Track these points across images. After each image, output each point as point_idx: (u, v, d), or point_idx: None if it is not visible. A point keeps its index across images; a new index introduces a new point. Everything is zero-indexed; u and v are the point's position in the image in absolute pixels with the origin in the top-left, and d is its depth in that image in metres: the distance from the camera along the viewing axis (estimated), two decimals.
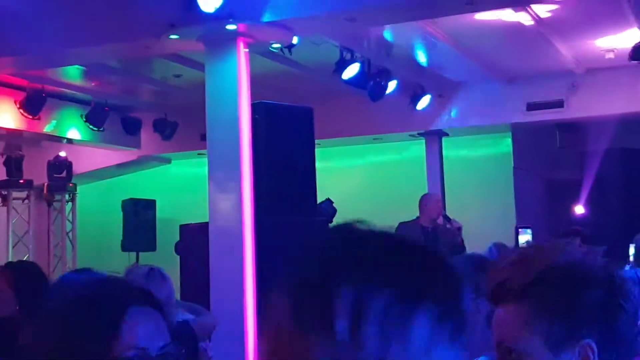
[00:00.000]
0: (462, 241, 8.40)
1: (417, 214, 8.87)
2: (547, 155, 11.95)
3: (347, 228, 0.96)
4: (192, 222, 7.31)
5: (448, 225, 8.57)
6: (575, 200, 10.05)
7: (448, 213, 10.86)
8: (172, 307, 4.09)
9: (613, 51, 8.96)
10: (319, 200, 7.66)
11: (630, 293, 1.42)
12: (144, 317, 1.58)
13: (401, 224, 8.53)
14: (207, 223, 6.36)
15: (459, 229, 8.49)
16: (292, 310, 0.89)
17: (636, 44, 8.00)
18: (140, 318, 1.57)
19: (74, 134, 10.86)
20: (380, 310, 0.87)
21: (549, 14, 7.68)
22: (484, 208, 11.17)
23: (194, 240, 6.89)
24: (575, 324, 1.40)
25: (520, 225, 5.43)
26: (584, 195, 9.83)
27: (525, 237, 5.31)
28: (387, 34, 8.42)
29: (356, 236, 0.94)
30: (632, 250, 5.98)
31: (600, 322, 1.40)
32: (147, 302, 1.61)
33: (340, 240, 0.94)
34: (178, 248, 7.94)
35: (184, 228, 7.48)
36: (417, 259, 0.93)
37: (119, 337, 1.52)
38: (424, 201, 8.57)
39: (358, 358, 0.86)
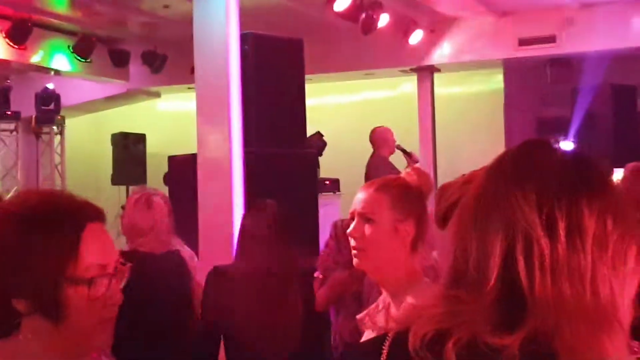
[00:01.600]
0: None
1: (409, 149, 8.87)
2: (538, 92, 11.90)
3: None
4: (181, 154, 7.27)
5: (406, 157, 8.60)
6: (565, 137, 10.05)
7: (438, 150, 10.91)
8: (159, 233, 4.09)
9: None
10: (309, 133, 7.64)
11: None
12: (99, 233, 1.57)
13: (370, 164, 8.50)
14: (195, 154, 6.32)
15: (416, 162, 8.59)
16: (540, 213, 1.06)
17: None
18: (97, 235, 1.55)
19: (61, 65, 10.73)
20: (615, 238, 1.07)
21: None
22: (474, 145, 11.17)
23: (183, 171, 6.87)
24: None
25: None
26: (573, 131, 9.83)
27: None
28: None
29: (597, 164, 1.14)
30: None
31: None
32: (99, 218, 1.60)
33: (581, 161, 1.14)
34: (167, 179, 7.94)
35: (172, 160, 7.46)
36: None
37: (78, 257, 1.51)
38: (383, 134, 8.57)
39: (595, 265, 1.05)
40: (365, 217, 2.35)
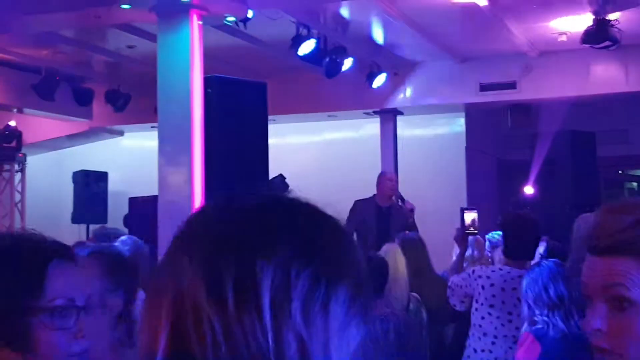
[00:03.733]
0: (414, 222, 8.47)
1: (371, 192, 8.91)
2: (499, 136, 12.09)
3: (276, 199, 0.95)
4: (142, 196, 7.25)
5: (401, 204, 8.62)
6: (525, 180, 10.19)
7: (400, 191, 10.97)
8: None
9: (566, 34, 9.06)
10: (271, 176, 7.65)
11: None
12: (66, 268, 1.60)
13: (357, 201, 8.59)
14: (156, 196, 6.30)
15: (412, 210, 8.54)
16: (207, 279, 0.87)
17: (588, 27, 8.08)
18: (63, 270, 1.59)
19: (24, 103, 10.66)
20: (305, 286, 0.86)
21: None
22: (436, 187, 11.27)
23: (143, 213, 6.84)
24: None
25: (465, 207, 5.46)
26: (533, 176, 9.96)
27: (470, 217, 5.34)
28: (344, 11, 8.40)
29: (282, 210, 0.93)
30: (541, 249, 5.97)
31: None
32: (66, 255, 1.65)
33: (269, 212, 0.93)
34: (127, 220, 7.89)
35: (133, 201, 7.43)
36: (336, 235, 0.93)
37: (43, 290, 1.54)
38: (379, 179, 8.60)
39: (279, 335, 0.85)
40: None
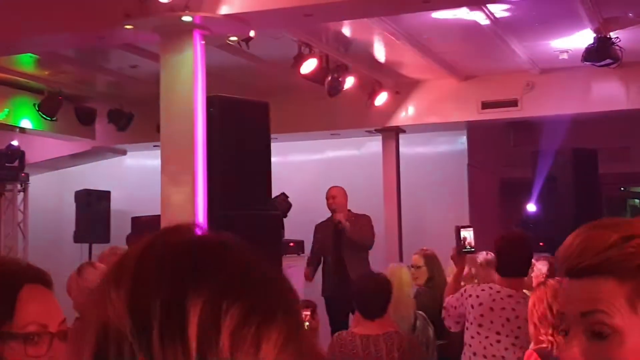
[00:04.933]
0: (372, 229, 8.52)
1: (372, 210, 8.94)
2: (501, 154, 12.09)
3: (202, 240, 0.92)
4: (145, 215, 7.25)
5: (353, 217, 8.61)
6: (527, 198, 10.19)
7: (402, 209, 10.97)
8: None
9: (567, 52, 9.09)
10: (274, 194, 7.66)
11: None
12: (39, 294, 1.58)
13: (317, 225, 8.70)
14: (158, 216, 6.31)
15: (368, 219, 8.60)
16: (132, 313, 0.84)
17: (589, 45, 8.11)
18: (36, 295, 1.56)
19: (26, 123, 10.70)
20: (234, 324, 0.83)
21: (504, 14, 7.76)
22: (438, 205, 11.27)
23: (146, 232, 6.83)
24: None
25: (461, 225, 5.42)
26: (535, 193, 9.96)
27: (467, 234, 5.30)
28: (346, 30, 8.44)
29: (212, 246, 0.90)
30: (544, 268, 5.93)
31: None
32: (40, 280, 1.61)
33: (195, 249, 0.89)
34: (129, 240, 7.88)
35: (135, 220, 7.43)
36: (266, 273, 0.91)
37: (14, 316, 1.51)
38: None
39: None
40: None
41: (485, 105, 10.22)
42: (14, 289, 1.53)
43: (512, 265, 4.67)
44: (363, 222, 8.55)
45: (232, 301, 0.83)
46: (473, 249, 5.34)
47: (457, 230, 5.25)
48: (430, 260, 6.57)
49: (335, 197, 8.64)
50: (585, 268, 1.15)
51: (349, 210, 8.68)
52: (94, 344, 0.84)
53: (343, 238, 8.37)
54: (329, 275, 8.56)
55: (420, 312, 5.32)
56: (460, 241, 5.21)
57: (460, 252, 5.24)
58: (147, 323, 0.82)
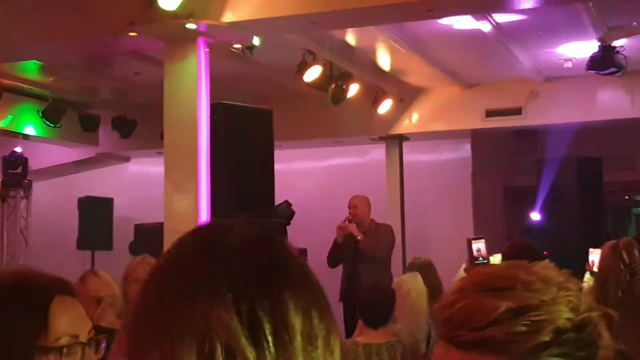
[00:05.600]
0: (390, 240, 8.41)
1: (376, 218, 8.88)
2: (505, 162, 12.08)
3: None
4: (148, 222, 7.24)
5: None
6: (531, 206, 10.17)
7: (406, 217, 10.94)
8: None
9: (571, 60, 9.08)
10: (277, 202, 7.65)
11: None
12: (68, 305, 1.59)
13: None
14: (161, 223, 6.29)
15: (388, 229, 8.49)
16: (242, 318, 0.88)
17: (593, 54, 8.10)
18: (66, 307, 1.57)
19: (30, 129, 10.71)
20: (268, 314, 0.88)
21: (508, 22, 7.75)
22: (442, 213, 11.25)
23: (149, 240, 6.82)
24: None
25: (472, 237, 5.41)
26: (540, 202, 9.94)
27: (478, 246, 5.29)
28: (349, 38, 8.43)
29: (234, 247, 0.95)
30: None
31: None
32: (67, 291, 1.62)
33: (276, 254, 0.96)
34: (132, 247, 7.88)
35: (138, 227, 7.42)
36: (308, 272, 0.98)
37: (47, 328, 1.52)
38: None
39: None
40: None
41: (490, 114, 10.21)
42: (46, 302, 1.54)
43: None
44: (381, 232, 8.39)
45: (319, 312, 0.93)
46: (486, 260, 5.35)
47: (469, 243, 5.25)
48: (422, 268, 6.45)
49: (356, 207, 8.43)
50: (463, 342, 0.98)
51: (372, 220, 8.49)
52: (199, 356, 0.86)
53: (357, 248, 8.29)
54: (344, 280, 8.52)
55: (431, 321, 5.30)
56: (472, 253, 5.22)
57: (473, 263, 5.26)
58: (257, 324, 0.87)
